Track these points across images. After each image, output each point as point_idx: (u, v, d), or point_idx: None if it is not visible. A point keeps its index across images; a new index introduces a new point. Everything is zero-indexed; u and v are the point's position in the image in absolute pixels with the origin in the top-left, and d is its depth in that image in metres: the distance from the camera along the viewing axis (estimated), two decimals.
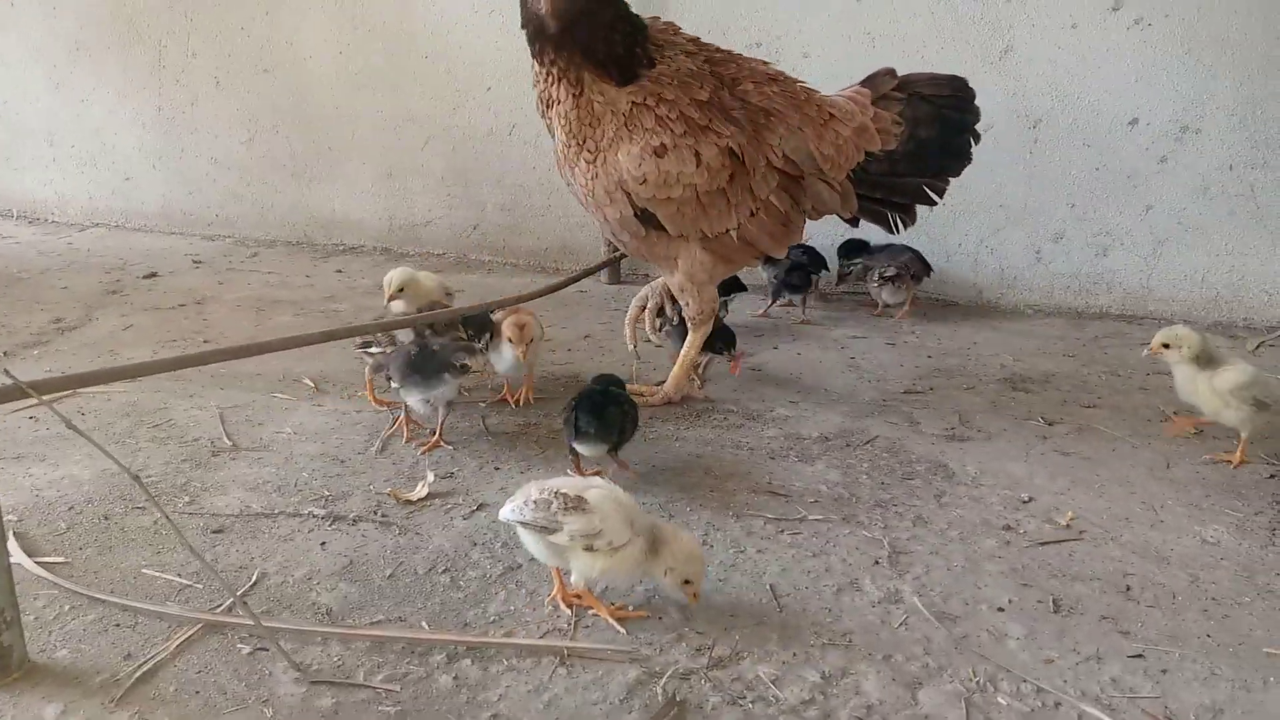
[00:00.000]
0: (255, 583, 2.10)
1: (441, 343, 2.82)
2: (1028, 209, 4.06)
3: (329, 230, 5.33)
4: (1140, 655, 1.86)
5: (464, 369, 2.69)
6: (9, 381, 1.79)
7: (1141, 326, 3.92)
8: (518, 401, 3.06)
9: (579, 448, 2.48)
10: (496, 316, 3.04)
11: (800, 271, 3.90)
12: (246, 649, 1.87)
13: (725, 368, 3.21)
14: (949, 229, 4.14)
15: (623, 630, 1.93)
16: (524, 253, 4.93)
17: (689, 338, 3.06)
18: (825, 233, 4.01)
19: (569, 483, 2.00)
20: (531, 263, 4.90)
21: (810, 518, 2.37)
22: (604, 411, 2.45)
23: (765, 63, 3.01)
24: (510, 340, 2.87)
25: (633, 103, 2.74)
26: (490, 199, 4.93)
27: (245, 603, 1.89)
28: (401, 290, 3.16)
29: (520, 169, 4.77)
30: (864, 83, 3.07)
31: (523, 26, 2.75)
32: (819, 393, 3.20)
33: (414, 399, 2.71)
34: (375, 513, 2.40)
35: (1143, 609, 2.01)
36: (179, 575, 2.12)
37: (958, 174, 3.12)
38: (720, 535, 2.29)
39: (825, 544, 2.25)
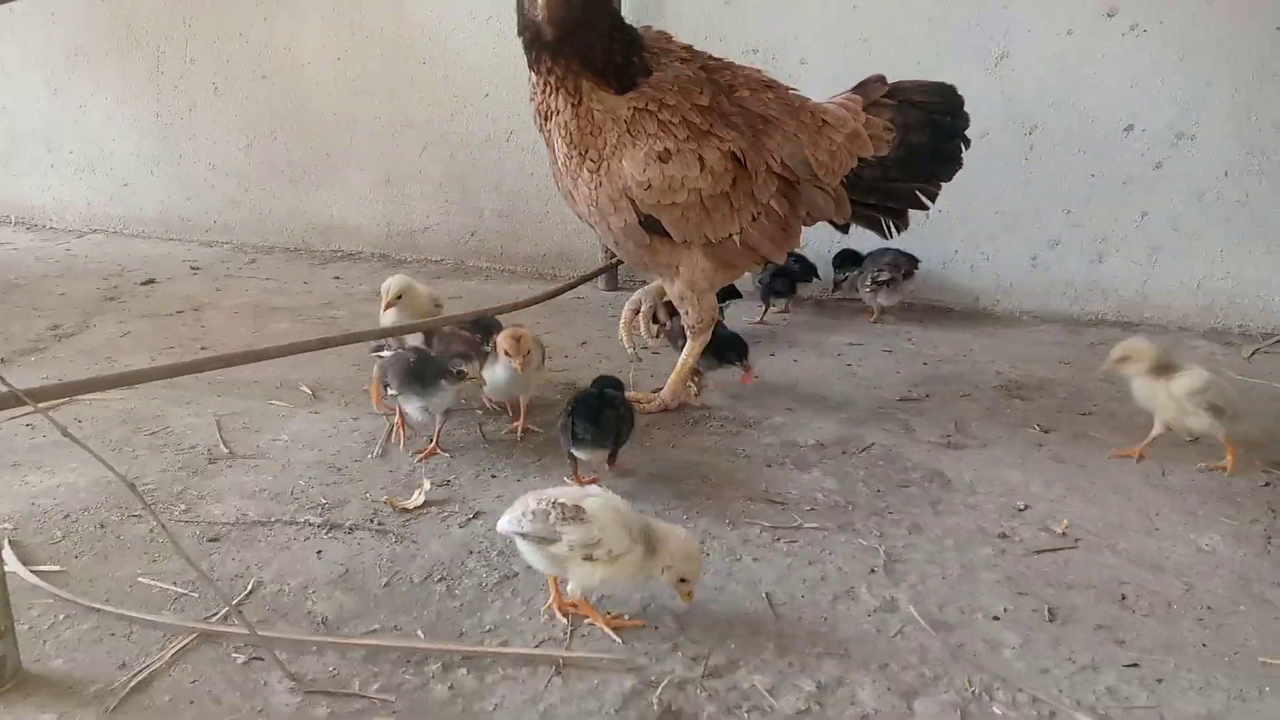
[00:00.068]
0: (251, 591, 2.10)
1: (440, 349, 2.83)
2: (1024, 215, 4.07)
3: (327, 236, 5.33)
4: (1136, 664, 1.86)
5: (460, 375, 2.68)
6: (5, 389, 1.79)
7: (1138, 333, 3.90)
8: (513, 431, 2.90)
9: (577, 453, 2.48)
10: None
11: (783, 278, 3.93)
12: (241, 658, 1.87)
13: (726, 376, 3.18)
14: (945, 235, 4.14)
15: (618, 639, 1.93)
16: (522, 259, 4.94)
17: (687, 346, 3.06)
18: (820, 240, 4.02)
19: (566, 492, 2.00)
20: (529, 269, 4.91)
21: (806, 526, 2.37)
22: (600, 416, 2.46)
23: (759, 70, 3.03)
24: (507, 353, 2.69)
25: (634, 108, 2.74)
26: (488, 205, 4.94)
27: (240, 612, 1.89)
28: (399, 297, 3.16)
29: (518, 175, 4.78)
30: (855, 90, 3.09)
31: (519, 34, 2.74)
32: (815, 400, 3.20)
33: (412, 406, 2.71)
34: (371, 521, 2.40)
35: (1138, 618, 2.01)
36: (175, 584, 2.12)
37: (949, 179, 3.13)
38: (716, 543, 2.29)
39: (821, 552, 2.26)
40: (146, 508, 1.82)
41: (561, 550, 1.89)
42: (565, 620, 1.98)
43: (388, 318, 3.17)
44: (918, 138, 3.02)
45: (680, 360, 3.07)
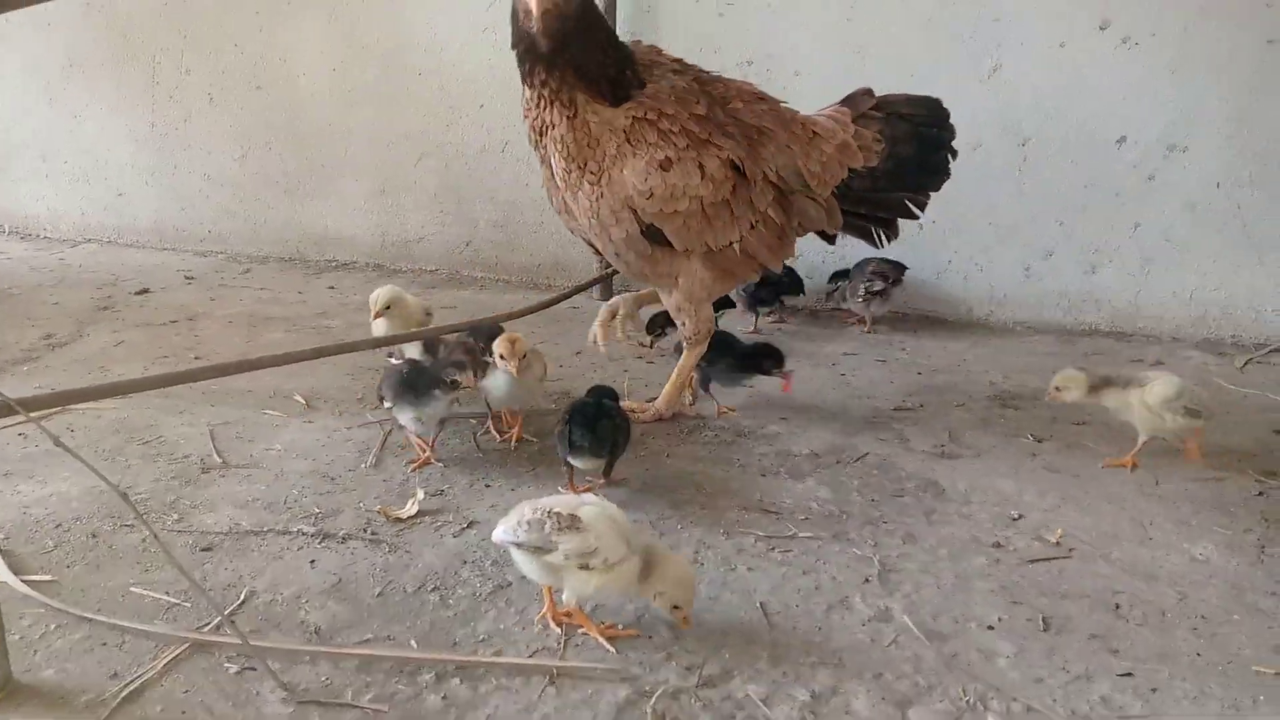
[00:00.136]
0: (243, 601, 2.09)
1: (433, 359, 2.83)
2: (1017, 226, 4.09)
3: (321, 246, 5.33)
4: (1130, 674, 1.86)
5: (454, 385, 2.68)
6: None
7: (1131, 344, 3.94)
8: (509, 438, 2.91)
9: (574, 462, 2.48)
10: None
11: (768, 287, 3.94)
12: (234, 668, 1.86)
13: (730, 385, 3.16)
14: (939, 246, 4.16)
15: (612, 649, 1.92)
16: (516, 269, 4.94)
17: (683, 356, 3.07)
18: (813, 250, 4.03)
19: (561, 501, 2.00)
20: (524, 279, 4.91)
21: (801, 535, 2.37)
22: (596, 425, 2.45)
23: (750, 83, 3.04)
24: (502, 357, 2.71)
25: (633, 118, 2.74)
26: (483, 215, 4.94)
27: (233, 622, 1.88)
28: (388, 308, 3.16)
29: (513, 185, 4.79)
30: (843, 102, 3.11)
31: (513, 47, 2.73)
32: (810, 409, 3.20)
33: (406, 417, 2.70)
34: (365, 530, 2.39)
35: (1132, 627, 2.01)
36: (167, 593, 2.11)
37: (937, 189, 3.15)
38: (711, 553, 2.29)
39: (815, 562, 2.25)
40: (139, 517, 1.81)
41: (557, 559, 1.89)
42: (559, 630, 1.98)
43: (377, 328, 3.17)
44: (905, 150, 3.05)
45: (676, 370, 3.08)
